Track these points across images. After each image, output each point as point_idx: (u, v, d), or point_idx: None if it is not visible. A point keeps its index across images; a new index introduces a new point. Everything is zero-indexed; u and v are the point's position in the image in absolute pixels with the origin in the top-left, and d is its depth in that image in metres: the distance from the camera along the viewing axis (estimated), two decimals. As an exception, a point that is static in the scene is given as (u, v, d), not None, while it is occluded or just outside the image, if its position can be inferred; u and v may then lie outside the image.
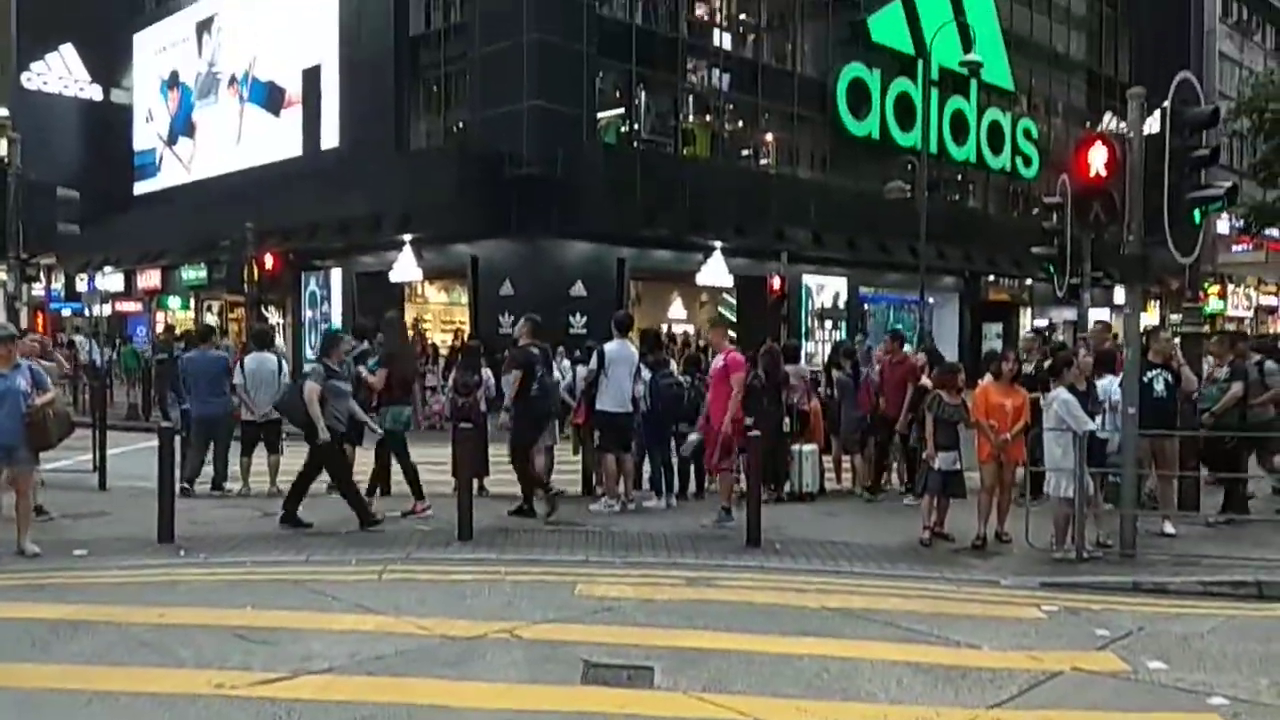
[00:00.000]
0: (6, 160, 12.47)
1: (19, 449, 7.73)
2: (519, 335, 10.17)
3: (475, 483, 9.76)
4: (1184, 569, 7.83)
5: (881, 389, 10.96)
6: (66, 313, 35.92)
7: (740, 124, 28.04)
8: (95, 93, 37.28)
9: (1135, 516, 8.33)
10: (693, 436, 9.96)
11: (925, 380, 10.26)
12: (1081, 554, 8.07)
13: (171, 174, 34.11)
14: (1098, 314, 30.50)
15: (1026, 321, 35.63)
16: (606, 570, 7.60)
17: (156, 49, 35.40)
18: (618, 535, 8.81)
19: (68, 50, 36.47)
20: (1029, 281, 33.40)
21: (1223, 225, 38.32)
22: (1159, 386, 8.96)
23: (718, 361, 9.65)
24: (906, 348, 11.96)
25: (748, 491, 8.76)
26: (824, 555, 8.18)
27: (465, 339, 19.90)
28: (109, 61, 36.98)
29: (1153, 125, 8.17)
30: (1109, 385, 8.91)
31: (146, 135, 35.74)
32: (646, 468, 10.61)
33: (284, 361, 11.62)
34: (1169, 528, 9.02)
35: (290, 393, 9.37)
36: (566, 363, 13.51)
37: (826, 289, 28.65)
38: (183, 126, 33.65)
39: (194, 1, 33.41)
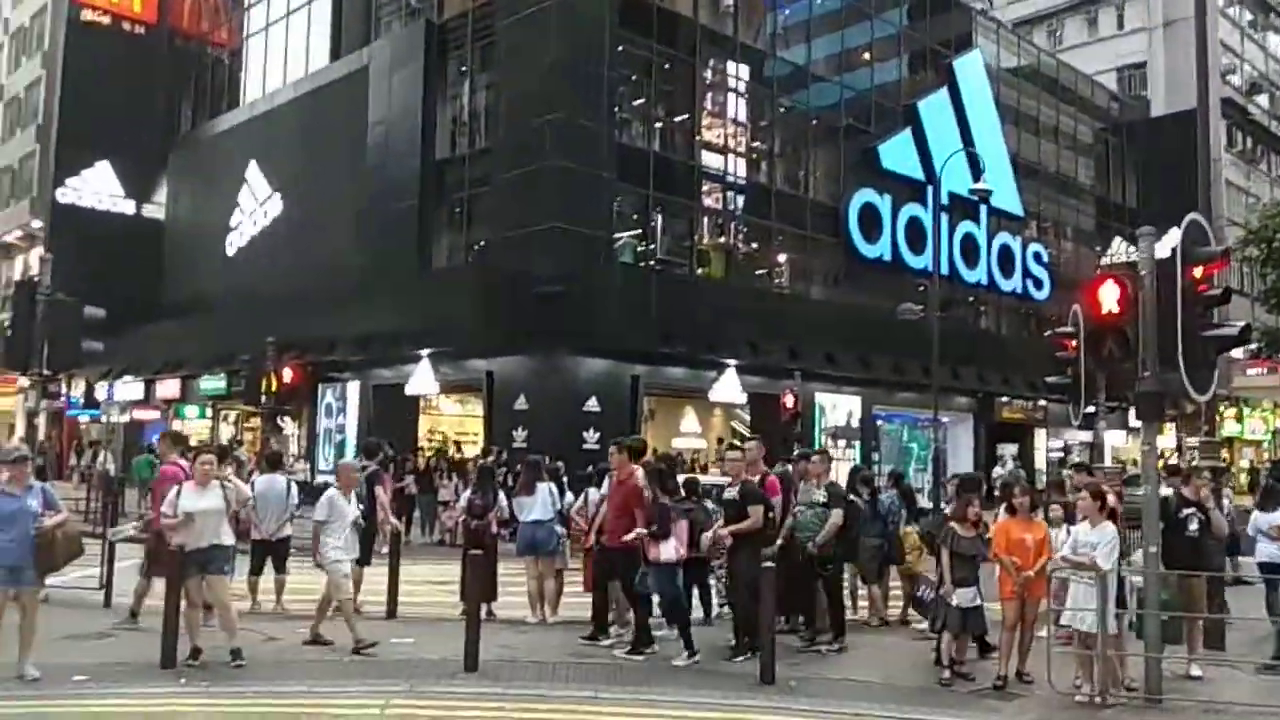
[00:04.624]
0: (37, 279, 12.77)
1: (25, 570, 7.68)
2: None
3: (484, 607, 9.62)
4: (1212, 716, 7.56)
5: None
6: (84, 420, 36.17)
7: (754, 245, 28.55)
8: (128, 207, 38.40)
9: (1160, 660, 8.09)
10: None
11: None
12: (1105, 698, 7.81)
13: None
14: (1113, 437, 30.38)
15: (1041, 442, 35.43)
16: (616, 707, 7.40)
17: (189, 166, 36.73)
18: (628, 668, 8.60)
19: (103, 167, 37.73)
20: (1043, 402, 33.30)
21: (1237, 349, 38.33)
22: (1193, 525, 8.87)
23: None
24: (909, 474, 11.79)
25: (761, 626, 8.55)
26: (840, 695, 7.95)
27: (480, 457, 19.82)
28: (142, 178, 38.25)
29: (1163, 252, 8.27)
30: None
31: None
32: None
33: (293, 483, 11.64)
34: (1195, 670, 8.76)
35: None
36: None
37: (840, 407, 28.62)
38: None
39: (230, 124, 34.77)
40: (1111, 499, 8.86)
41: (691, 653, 8.82)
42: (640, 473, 9.50)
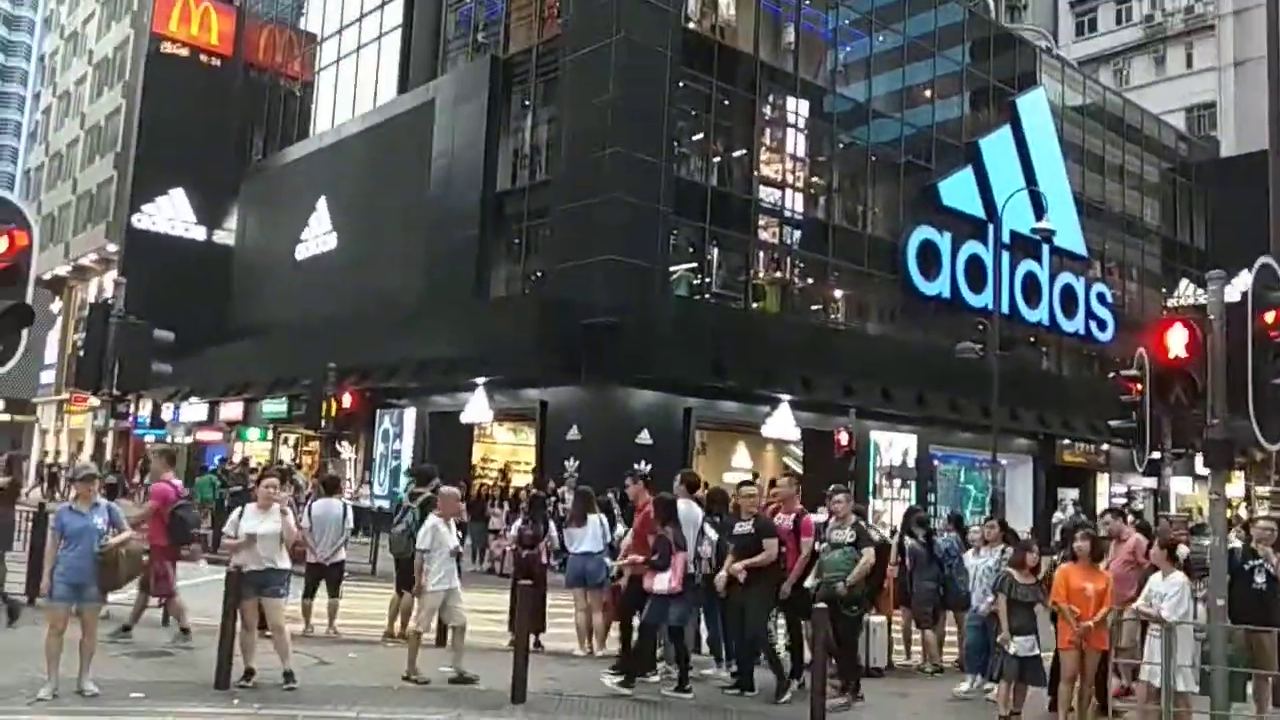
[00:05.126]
0: (111, 301, 13.20)
1: (89, 587, 7.86)
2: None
3: (532, 638, 9.61)
4: (1286, 781, 7.24)
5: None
6: (149, 439, 37.09)
7: (810, 280, 28.45)
8: (199, 234, 39.60)
9: (1227, 717, 7.78)
10: None
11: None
12: (1171, 757, 7.53)
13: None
14: (1179, 484, 29.50)
15: (1104, 488, 34.54)
16: (662, 746, 7.32)
17: (259, 195, 37.80)
18: (675, 705, 8.51)
19: (177, 194, 39.00)
20: (1105, 446, 32.50)
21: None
22: (1259, 578, 8.56)
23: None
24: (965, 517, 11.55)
25: (813, 668, 8.40)
26: (891, 742, 7.78)
27: (531, 486, 19.90)
28: (214, 205, 39.46)
29: (1233, 296, 8.07)
30: None
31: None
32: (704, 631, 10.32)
33: (348, 508, 11.78)
34: (1267, 731, 8.40)
35: None
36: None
37: (895, 446, 28.24)
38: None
39: (299, 154, 35.73)
40: (1183, 549, 8.59)
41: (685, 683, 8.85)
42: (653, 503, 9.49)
